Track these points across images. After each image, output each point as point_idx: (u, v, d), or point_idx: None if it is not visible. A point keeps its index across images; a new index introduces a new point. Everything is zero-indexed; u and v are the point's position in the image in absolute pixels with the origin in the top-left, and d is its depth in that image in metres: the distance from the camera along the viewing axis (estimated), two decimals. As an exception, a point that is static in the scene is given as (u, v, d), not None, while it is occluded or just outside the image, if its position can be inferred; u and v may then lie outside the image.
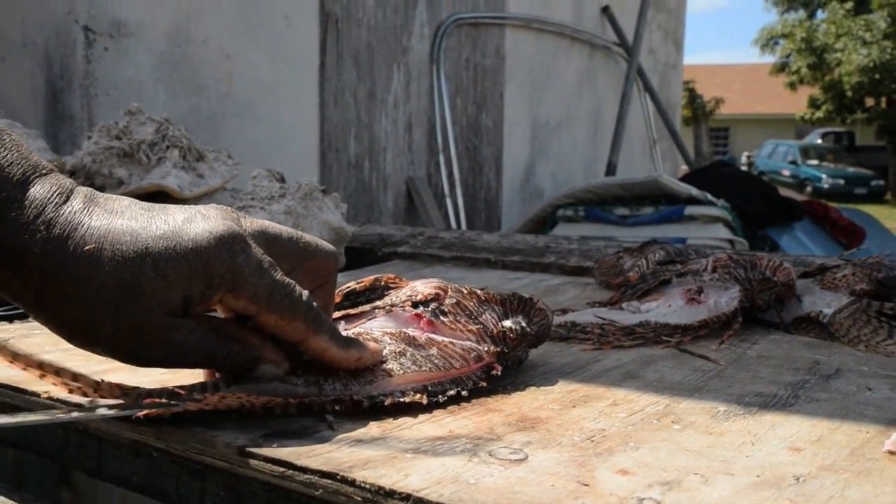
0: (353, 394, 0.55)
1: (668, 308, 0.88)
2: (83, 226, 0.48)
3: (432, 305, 0.65)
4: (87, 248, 0.48)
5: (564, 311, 0.92)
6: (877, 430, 0.55)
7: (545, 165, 4.78)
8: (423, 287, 0.68)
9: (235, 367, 0.53)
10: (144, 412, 0.50)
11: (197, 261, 0.49)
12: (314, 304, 0.54)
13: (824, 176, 19.88)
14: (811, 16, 21.82)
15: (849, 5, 20.31)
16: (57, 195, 0.49)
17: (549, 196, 4.05)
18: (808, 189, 18.92)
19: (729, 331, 0.83)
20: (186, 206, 0.52)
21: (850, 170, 20.34)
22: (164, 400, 0.51)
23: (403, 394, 0.56)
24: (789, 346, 0.81)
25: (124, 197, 0.52)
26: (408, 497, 0.42)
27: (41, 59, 2.32)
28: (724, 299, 0.87)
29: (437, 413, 0.56)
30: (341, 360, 0.55)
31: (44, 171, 0.49)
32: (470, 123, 4.06)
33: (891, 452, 0.50)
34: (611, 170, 4.72)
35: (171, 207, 0.52)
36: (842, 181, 19.62)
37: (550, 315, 0.70)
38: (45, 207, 0.48)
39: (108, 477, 0.61)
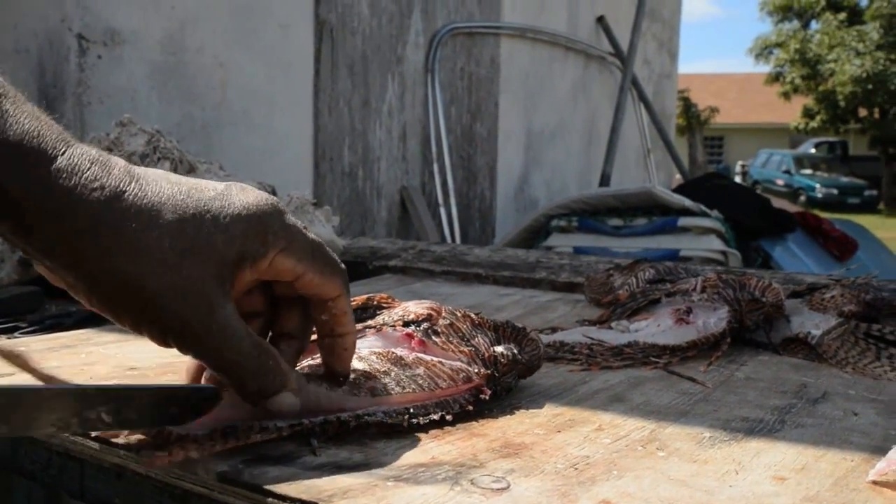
0: (339, 414, 0.54)
1: (657, 328, 0.88)
2: (135, 185, 0.49)
3: (424, 325, 0.65)
4: (145, 201, 0.48)
5: (554, 330, 0.92)
6: (861, 457, 0.55)
7: (539, 175, 4.79)
8: (415, 307, 0.68)
9: (261, 386, 0.52)
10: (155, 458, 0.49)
11: (252, 218, 0.51)
12: None
13: (818, 185, 19.96)
14: (805, 26, 21.91)
15: (842, 16, 20.43)
16: (97, 158, 0.48)
17: (543, 206, 4.06)
18: (802, 198, 18.99)
19: (717, 352, 0.83)
20: (215, 182, 0.53)
21: (844, 179, 20.42)
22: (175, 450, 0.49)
23: (387, 415, 0.56)
24: (777, 368, 0.80)
25: (154, 168, 0.52)
26: (388, 528, 0.42)
27: (34, 67, 2.32)
28: (713, 320, 0.87)
29: (421, 437, 0.56)
30: (352, 330, 0.57)
31: (72, 139, 0.49)
32: (464, 133, 4.06)
33: (875, 482, 0.50)
34: (605, 180, 4.73)
35: (203, 180, 0.53)
36: (835, 191, 19.70)
37: (542, 347, 0.69)
38: (91, 167, 0.47)
39: (91, 499, 0.60)
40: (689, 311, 0.89)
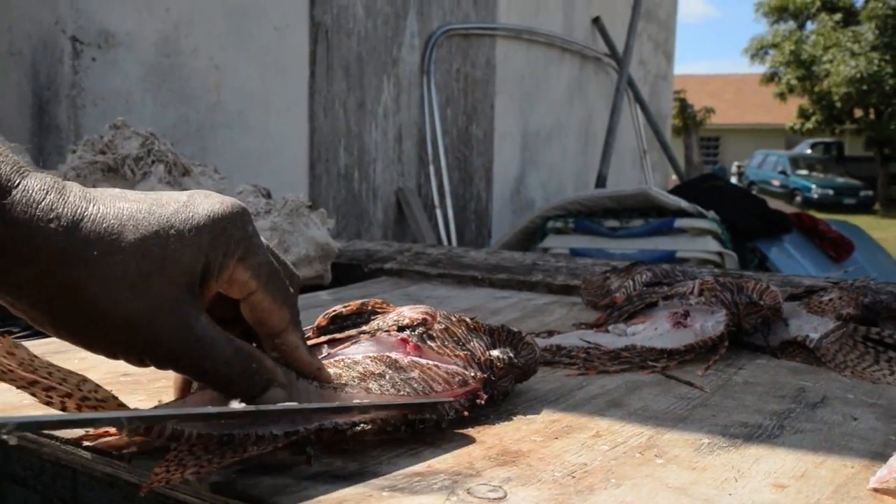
0: (335, 420, 0.54)
1: (654, 331, 0.87)
2: (93, 208, 0.48)
3: (419, 330, 0.64)
4: (105, 225, 0.47)
5: (550, 333, 0.92)
6: (861, 464, 0.54)
7: (535, 176, 4.78)
8: (410, 312, 0.67)
9: (248, 387, 0.52)
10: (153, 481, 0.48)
11: (216, 227, 0.50)
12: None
13: (814, 186, 19.97)
14: (801, 27, 21.94)
15: (837, 17, 20.45)
16: (52, 185, 0.48)
17: (539, 207, 4.05)
18: (798, 199, 19.00)
19: (715, 355, 0.82)
20: (177, 192, 0.52)
21: (840, 180, 20.45)
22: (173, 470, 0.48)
23: (384, 422, 0.55)
24: (775, 372, 0.80)
25: (111, 188, 0.51)
26: (383, 539, 0.41)
27: (28, 70, 2.31)
28: (711, 323, 0.86)
29: (416, 444, 0.55)
30: (307, 363, 0.56)
31: (28, 169, 0.48)
32: (460, 134, 4.06)
33: (876, 490, 0.49)
34: (601, 181, 4.73)
35: (164, 192, 0.52)
36: (831, 191, 19.72)
37: (538, 351, 0.69)
38: (46, 197, 0.47)
39: (83, 507, 0.60)
40: (686, 315, 0.88)
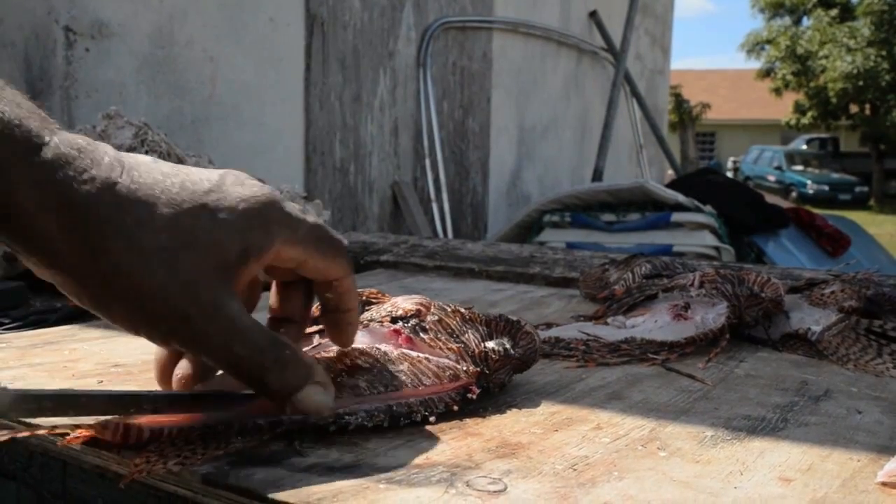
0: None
1: (654, 324, 0.86)
2: (127, 174, 0.46)
3: (412, 321, 0.63)
4: (139, 193, 0.46)
5: (549, 326, 0.90)
6: (868, 458, 0.53)
7: (532, 170, 4.77)
8: (404, 303, 0.66)
9: (282, 383, 0.49)
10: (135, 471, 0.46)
11: (252, 211, 0.49)
12: None
13: (809, 182, 20.01)
14: (797, 23, 21.95)
15: (833, 13, 20.46)
16: (85, 146, 0.46)
17: (536, 201, 4.04)
18: (793, 195, 19.03)
19: (716, 348, 0.81)
20: (207, 170, 0.50)
21: (835, 176, 20.49)
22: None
23: (369, 415, 0.54)
24: (777, 365, 0.79)
25: (142, 155, 0.50)
26: (380, 533, 0.40)
27: (20, 61, 2.29)
28: (712, 315, 0.85)
29: (414, 436, 0.54)
30: (356, 305, 0.56)
31: (57, 126, 0.46)
32: (456, 128, 4.04)
33: (884, 484, 0.48)
34: (597, 175, 4.72)
35: (193, 168, 0.50)
36: (826, 187, 19.76)
37: (538, 340, 0.67)
38: (78, 157, 0.45)
39: (73, 500, 0.58)
40: (686, 307, 0.87)
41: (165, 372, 0.54)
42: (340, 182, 3.33)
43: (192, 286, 0.46)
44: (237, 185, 0.49)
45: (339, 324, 0.56)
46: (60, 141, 0.45)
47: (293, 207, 0.52)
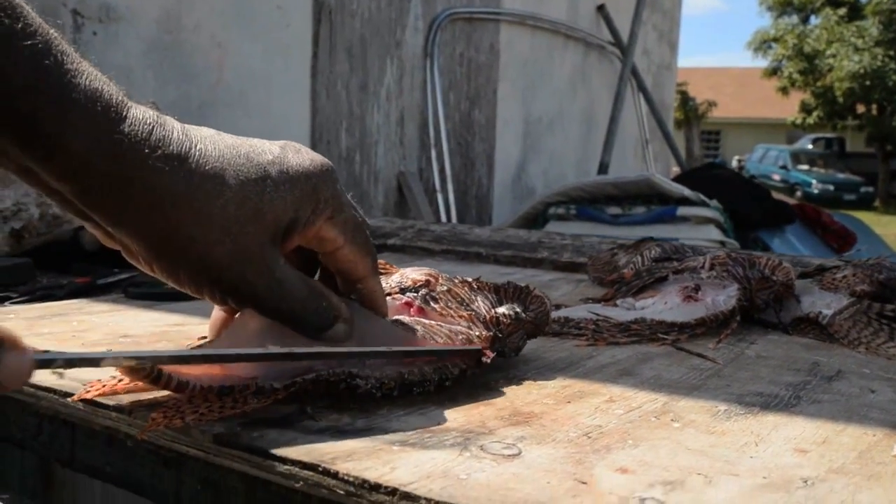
0: (331, 369, 0.52)
1: (664, 305, 0.86)
2: (196, 147, 0.49)
3: (422, 291, 0.63)
4: (208, 167, 0.48)
5: (558, 307, 0.90)
6: (884, 433, 0.52)
7: (537, 163, 4.76)
8: (413, 273, 0.66)
9: (318, 323, 0.54)
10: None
11: (308, 184, 0.52)
12: None
13: (814, 181, 19.96)
14: (805, 21, 21.88)
15: (842, 11, 20.39)
16: (156, 119, 0.48)
17: (541, 194, 4.04)
18: (798, 194, 18.98)
19: (727, 329, 0.81)
20: (268, 142, 0.53)
21: (840, 176, 20.43)
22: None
23: (380, 382, 0.53)
24: (788, 347, 0.78)
25: (204, 127, 0.52)
26: (394, 491, 0.40)
27: (29, 42, 2.28)
28: (722, 298, 0.84)
29: (426, 404, 0.54)
30: (383, 305, 0.59)
31: (129, 100, 0.48)
32: (462, 119, 4.04)
33: (900, 456, 0.47)
34: (603, 169, 4.71)
35: (254, 139, 0.53)
36: (831, 187, 19.71)
37: (548, 303, 0.67)
38: (153, 131, 0.47)
39: (81, 467, 0.58)
40: (697, 289, 0.87)
41: (221, 330, 0.57)
42: (346, 171, 3.33)
43: (254, 255, 0.50)
44: (296, 155, 0.53)
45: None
46: (136, 116, 0.47)
47: (344, 192, 0.55)
